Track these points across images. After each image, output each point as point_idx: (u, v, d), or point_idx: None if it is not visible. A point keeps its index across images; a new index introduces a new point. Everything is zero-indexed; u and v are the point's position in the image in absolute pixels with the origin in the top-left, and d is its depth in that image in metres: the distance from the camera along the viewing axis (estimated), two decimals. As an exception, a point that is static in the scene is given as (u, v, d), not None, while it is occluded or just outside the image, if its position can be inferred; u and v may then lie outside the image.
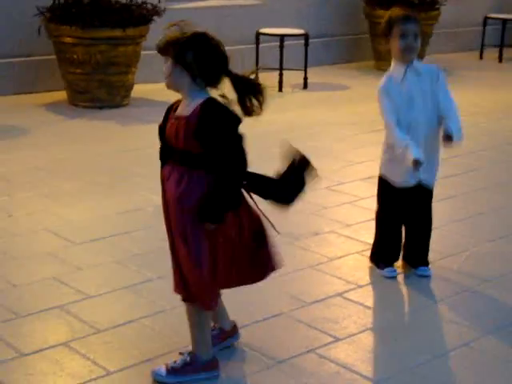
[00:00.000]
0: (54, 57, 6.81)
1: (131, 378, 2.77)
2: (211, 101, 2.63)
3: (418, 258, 3.64)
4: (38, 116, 6.36)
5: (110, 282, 3.47)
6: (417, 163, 3.28)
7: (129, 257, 3.74)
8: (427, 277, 3.61)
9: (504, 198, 4.79)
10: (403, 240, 3.66)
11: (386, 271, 3.61)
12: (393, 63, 3.52)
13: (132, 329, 3.09)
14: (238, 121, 2.63)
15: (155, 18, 6.75)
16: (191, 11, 7.96)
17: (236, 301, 3.34)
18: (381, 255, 3.66)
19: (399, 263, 3.67)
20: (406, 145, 3.33)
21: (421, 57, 8.64)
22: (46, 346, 2.93)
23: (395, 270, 3.62)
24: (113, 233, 4.02)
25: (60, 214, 4.26)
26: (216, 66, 2.63)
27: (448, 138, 3.38)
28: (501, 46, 9.56)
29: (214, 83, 2.65)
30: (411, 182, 3.48)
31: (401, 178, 3.50)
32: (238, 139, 2.62)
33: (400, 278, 3.61)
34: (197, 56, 2.59)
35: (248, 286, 3.44)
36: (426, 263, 3.64)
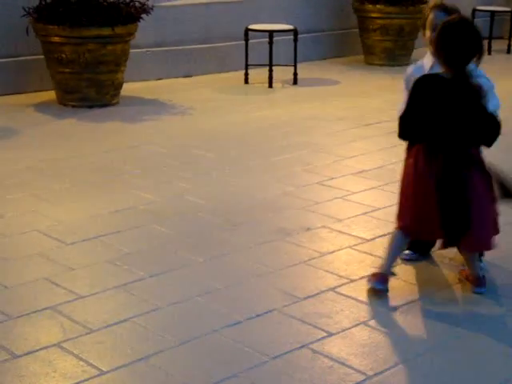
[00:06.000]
0: (42, 57, 6.78)
1: (124, 378, 2.76)
2: None
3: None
4: (27, 116, 6.34)
5: (102, 282, 3.46)
6: None
7: (120, 256, 3.74)
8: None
9: None
10: None
11: (404, 254, 3.70)
12: (427, 52, 3.56)
13: (124, 328, 3.08)
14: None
15: (143, 16, 6.74)
16: (179, 8, 7.94)
17: (228, 298, 3.35)
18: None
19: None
20: None
21: (410, 50, 8.68)
22: (38, 347, 2.92)
23: (414, 254, 3.70)
24: (104, 232, 4.01)
25: (51, 215, 4.25)
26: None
27: None
28: (489, 38, 9.58)
29: None
30: None
31: None
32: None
33: (393, 270, 3.61)
34: None
35: (239, 283, 3.46)
36: None
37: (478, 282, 3.41)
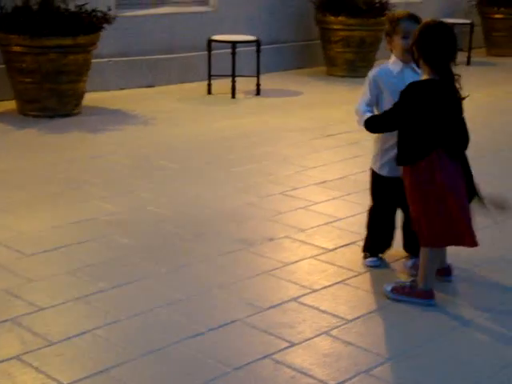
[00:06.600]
0: (3, 66, 6.71)
1: (85, 390, 2.73)
2: None
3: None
4: (-14, 126, 6.26)
5: (63, 294, 3.42)
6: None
7: (81, 267, 3.70)
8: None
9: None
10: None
11: (369, 261, 3.79)
12: (392, 58, 3.65)
13: (85, 340, 3.04)
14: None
15: (105, 25, 6.71)
16: (142, 19, 7.92)
17: (190, 308, 3.33)
18: (369, 246, 3.83)
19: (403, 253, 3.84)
20: (364, 113, 3.53)
21: (371, 62, 8.77)
22: (-3, 360, 2.88)
23: (377, 260, 3.80)
24: (65, 243, 3.97)
25: (11, 226, 4.19)
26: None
27: None
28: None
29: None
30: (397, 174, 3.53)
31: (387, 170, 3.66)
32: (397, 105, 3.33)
33: (355, 280, 3.63)
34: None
35: (202, 294, 3.45)
36: None
37: (445, 271, 3.60)
